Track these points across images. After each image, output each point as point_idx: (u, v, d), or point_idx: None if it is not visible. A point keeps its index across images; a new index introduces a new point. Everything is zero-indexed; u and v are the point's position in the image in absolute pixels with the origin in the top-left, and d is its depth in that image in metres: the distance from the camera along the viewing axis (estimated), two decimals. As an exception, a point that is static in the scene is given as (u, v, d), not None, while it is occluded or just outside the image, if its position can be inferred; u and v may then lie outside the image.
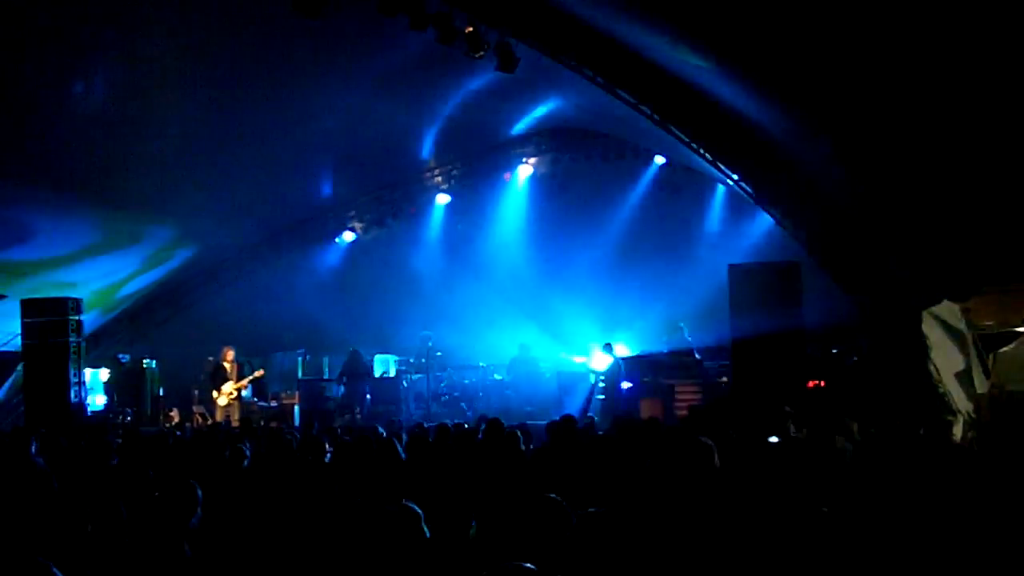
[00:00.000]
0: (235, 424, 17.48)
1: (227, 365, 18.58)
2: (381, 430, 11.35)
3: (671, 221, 21.36)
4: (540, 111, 20.61)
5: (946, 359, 13.60)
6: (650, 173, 21.91)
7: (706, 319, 18.56)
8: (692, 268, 20.23)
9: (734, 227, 20.74)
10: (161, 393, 20.12)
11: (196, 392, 19.78)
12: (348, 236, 23.35)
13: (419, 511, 2.23)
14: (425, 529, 2.22)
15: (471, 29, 14.28)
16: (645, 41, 14.14)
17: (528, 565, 3.41)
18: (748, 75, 13.44)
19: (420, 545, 2.20)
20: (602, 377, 18.22)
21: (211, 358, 19.32)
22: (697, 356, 18.30)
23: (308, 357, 21.20)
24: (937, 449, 8.89)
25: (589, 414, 16.86)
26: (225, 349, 18.71)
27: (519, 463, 8.71)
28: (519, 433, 9.73)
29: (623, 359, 18.37)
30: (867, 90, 11.10)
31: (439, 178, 23.00)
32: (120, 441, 11.97)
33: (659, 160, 21.55)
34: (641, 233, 21.52)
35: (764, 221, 18.11)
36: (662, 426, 11.14)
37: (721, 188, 20.50)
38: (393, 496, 4.95)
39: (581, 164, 22.08)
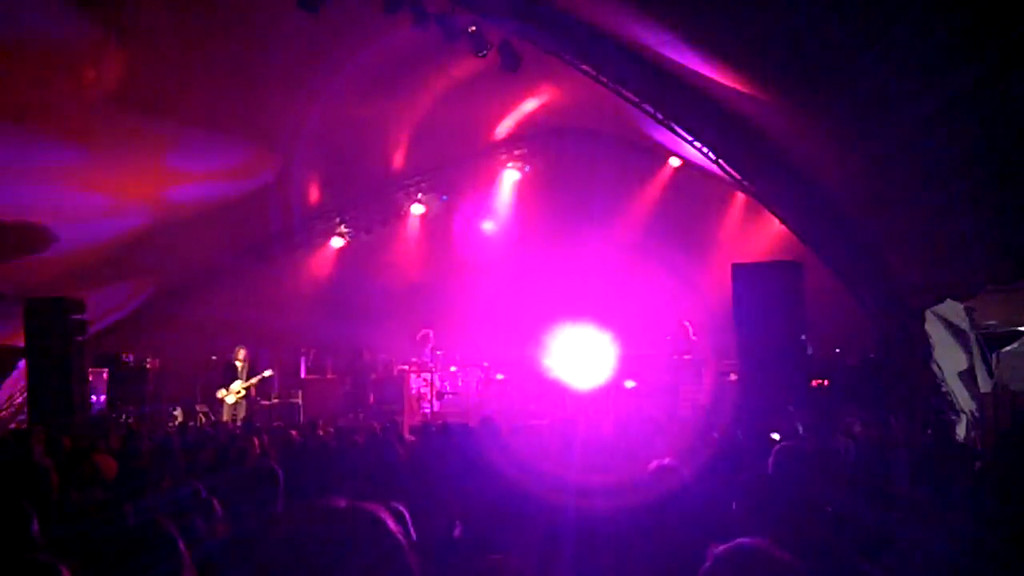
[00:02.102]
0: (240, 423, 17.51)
1: (238, 364, 18.62)
2: (390, 428, 11.38)
3: (675, 220, 21.29)
4: (539, 109, 20.58)
5: (949, 358, 13.61)
6: (655, 171, 21.86)
7: (711, 318, 18.56)
8: (697, 267, 20.20)
9: (740, 226, 20.71)
10: (163, 392, 20.13)
11: (199, 391, 19.78)
12: (349, 236, 23.33)
13: (372, 512, 2.20)
14: (390, 530, 2.18)
15: (474, 28, 14.30)
16: (648, 39, 14.14)
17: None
18: (749, 73, 13.43)
19: (380, 547, 2.16)
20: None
21: (214, 356, 19.33)
22: (701, 355, 18.34)
23: (311, 356, 21.20)
24: (940, 448, 8.88)
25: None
26: (237, 347, 18.76)
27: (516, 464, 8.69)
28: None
29: (622, 357, 18.37)
30: (873, 88, 11.09)
31: (438, 178, 22.99)
32: (122, 440, 11.95)
33: (663, 158, 21.51)
34: (645, 232, 21.48)
35: (771, 220, 18.08)
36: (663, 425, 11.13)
37: (727, 187, 20.47)
38: (392, 496, 4.95)
39: (584, 162, 22.05)
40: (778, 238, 18.05)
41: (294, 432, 12.12)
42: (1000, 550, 4.61)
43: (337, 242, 23.29)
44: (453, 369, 20.78)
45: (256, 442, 9.92)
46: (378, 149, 20.73)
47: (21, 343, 17.00)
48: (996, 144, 10.06)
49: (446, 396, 20.28)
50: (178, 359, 20.60)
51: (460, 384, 20.69)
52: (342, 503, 2.31)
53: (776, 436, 9.71)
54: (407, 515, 4.54)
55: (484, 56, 14.61)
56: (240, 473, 7.61)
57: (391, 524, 2.28)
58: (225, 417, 18.01)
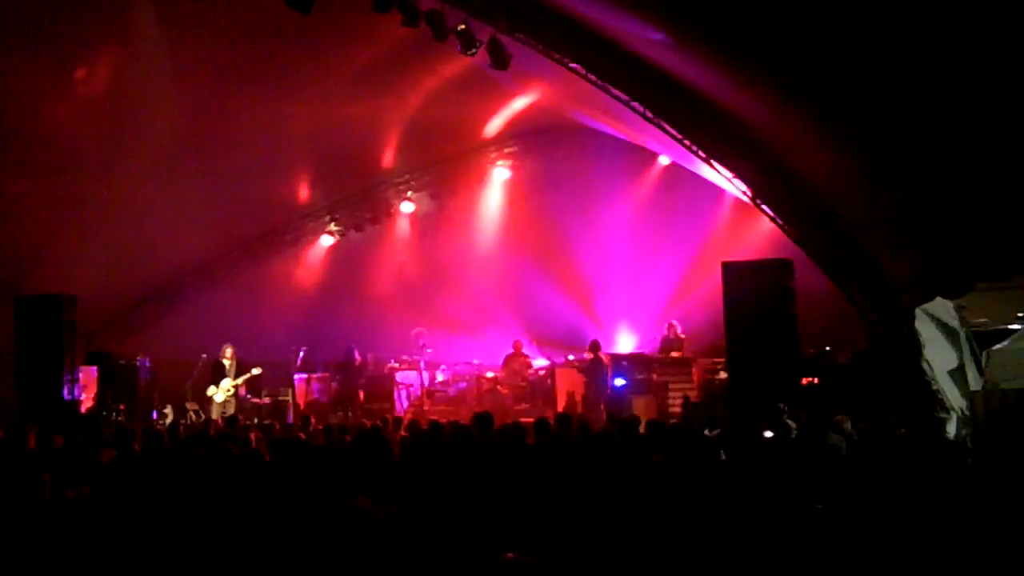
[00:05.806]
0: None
1: (226, 362, 18.60)
2: (381, 426, 11.35)
3: (665, 218, 21.27)
4: (529, 107, 20.56)
5: (940, 356, 13.62)
6: (644, 170, 21.82)
7: (701, 316, 18.59)
8: (687, 265, 20.21)
9: (730, 224, 20.69)
10: (154, 390, 20.07)
11: (189, 389, 19.72)
12: (339, 234, 23.29)
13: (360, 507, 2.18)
14: (379, 525, 2.17)
15: (463, 27, 14.29)
16: (636, 37, 14.13)
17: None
18: (738, 72, 13.44)
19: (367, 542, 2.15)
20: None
21: (205, 355, 19.29)
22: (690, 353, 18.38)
23: (302, 354, 21.18)
24: (929, 446, 8.91)
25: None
26: (224, 346, 18.73)
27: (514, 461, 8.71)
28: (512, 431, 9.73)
29: (612, 355, 18.37)
30: (862, 86, 11.10)
31: (429, 176, 22.97)
32: (113, 438, 11.91)
33: (653, 157, 21.48)
34: (635, 230, 21.46)
35: (761, 218, 18.07)
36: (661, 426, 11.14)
37: (718, 186, 20.45)
38: (383, 494, 4.94)
39: (574, 161, 22.03)
40: (768, 236, 18.03)
41: (284, 430, 12.11)
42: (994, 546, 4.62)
43: (327, 240, 23.26)
44: (443, 367, 20.78)
45: (251, 438, 9.91)
46: (368, 147, 20.70)
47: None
48: (986, 140, 10.08)
49: (437, 394, 20.28)
50: (169, 357, 20.54)
51: (451, 382, 20.69)
52: (331, 499, 2.31)
53: (769, 434, 9.74)
54: (397, 513, 4.54)
55: (473, 54, 14.59)
56: (230, 471, 7.59)
57: (379, 518, 2.28)
58: (214, 415, 17.97)
